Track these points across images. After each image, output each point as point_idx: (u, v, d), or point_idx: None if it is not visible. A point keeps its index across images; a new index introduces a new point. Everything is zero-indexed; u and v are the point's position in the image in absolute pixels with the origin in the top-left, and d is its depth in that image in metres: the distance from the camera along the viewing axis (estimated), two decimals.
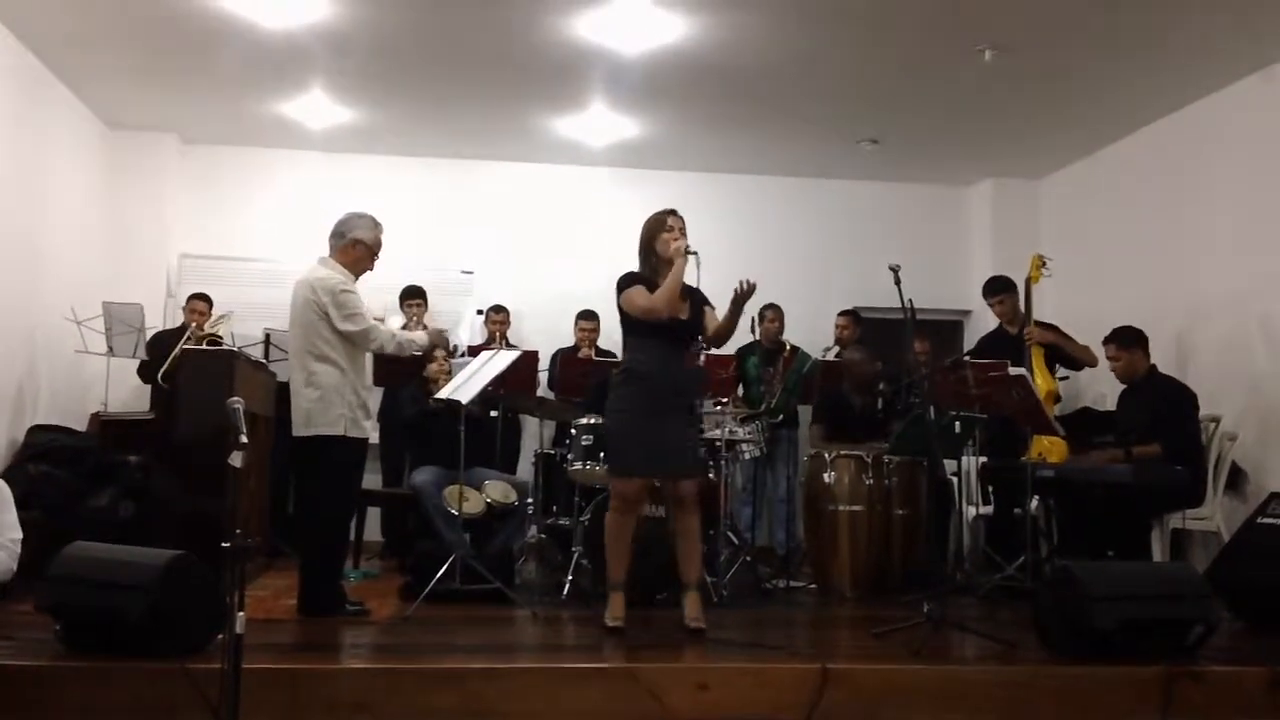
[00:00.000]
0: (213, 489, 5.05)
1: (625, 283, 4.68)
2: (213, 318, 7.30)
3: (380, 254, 5.04)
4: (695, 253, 4.55)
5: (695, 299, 4.74)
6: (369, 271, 5.03)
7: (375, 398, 7.77)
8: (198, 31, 6.26)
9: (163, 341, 7.09)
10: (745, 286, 4.46)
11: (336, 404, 4.72)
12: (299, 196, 8.45)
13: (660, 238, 4.65)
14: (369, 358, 5.09)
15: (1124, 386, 6.15)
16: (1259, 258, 6.46)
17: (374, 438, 7.60)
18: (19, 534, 4.66)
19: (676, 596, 4.69)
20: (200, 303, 7.39)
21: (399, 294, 7.77)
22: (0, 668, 3.63)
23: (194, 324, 7.20)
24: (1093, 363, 6.50)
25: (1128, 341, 6.05)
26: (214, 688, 3.30)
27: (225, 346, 6.84)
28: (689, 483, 4.65)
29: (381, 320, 5.78)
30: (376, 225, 4.99)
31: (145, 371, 7.15)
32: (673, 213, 4.72)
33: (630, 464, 4.64)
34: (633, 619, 4.62)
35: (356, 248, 4.92)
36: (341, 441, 4.74)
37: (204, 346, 6.72)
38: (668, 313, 4.56)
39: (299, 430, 4.78)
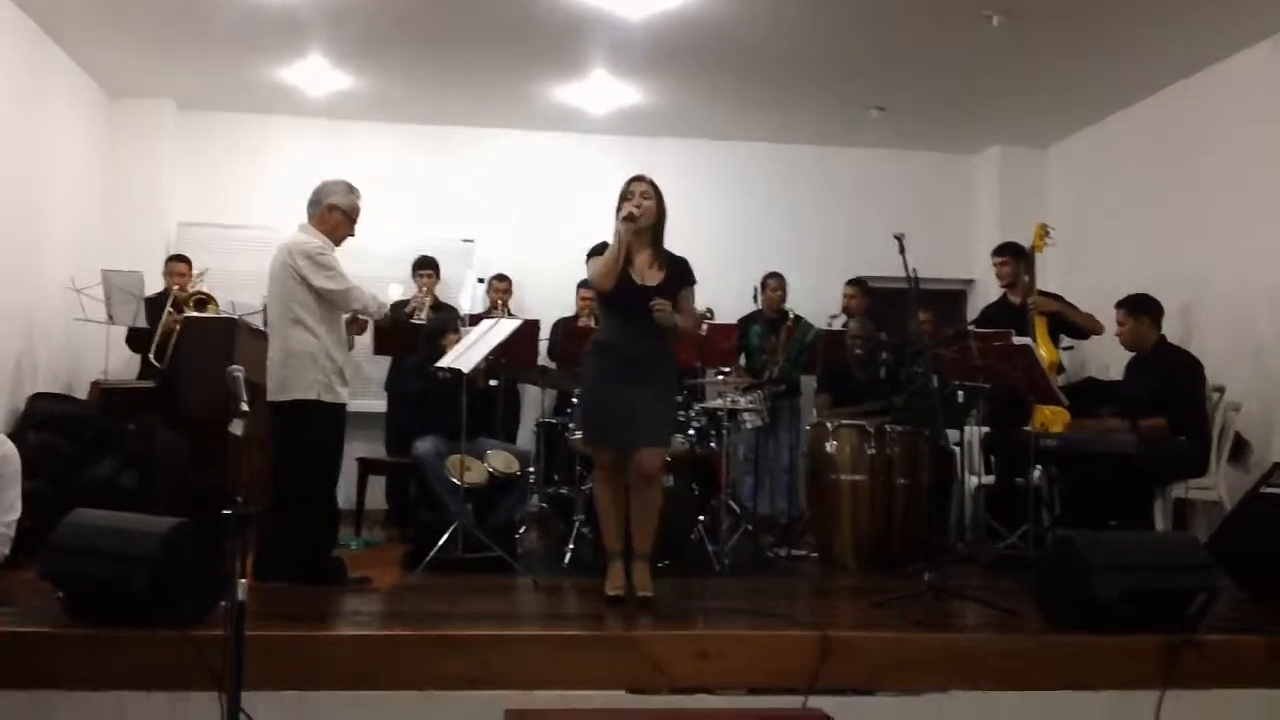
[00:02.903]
0: (214, 457, 5.10)
1: (589, 255, 4.73)
2: (193, 277, 7.25)
3: (358, 219, 5.02)
4: (633, 221, 4.46)
5: (674, 271, 4.61)
6: (350, 237, 5.01)
7: (381, 367, 7.77)
8: None
9: (147, 307, 7.03)
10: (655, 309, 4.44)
11: (310, 369, 4.71)
12: (298, 164, 8.38)
13: (622, 205, 4.58)
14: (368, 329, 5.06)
15: (1131, 356, 6.13)
16: (1267, 228, 6.42)
17: (373, 407, 7.65)
18: (16, 514, 4.59)
19: (681, 565, 4.69)
20: (179, 264, 7.31)
21: (411, 264, 7.75)
22: (2, 635, 3.63)
23: (176, 287, 7.15)
24: (1098, 330, 6.46)
25: (1137, 309, 6.01)
26: (217, 655, 3.31)
27: (214, 305, 6.82)
28: (649, 455, 4.51)
29: None
30: (352, 190, 4.99)
31: (134, 340, 7.11)
32: (637, 179, 4.64)
33: (589, 433, 4.71)
34: (633, 587, 4.62)
35: (333, 214, 4.91)
36: (316, 406, 4.72)
37: (192, 309, 6.69)
38: (600, 285, 4.57)
39: (274, 395, 4.76)
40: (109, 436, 5.97)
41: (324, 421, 4.78)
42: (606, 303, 4.66)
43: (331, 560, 4.87)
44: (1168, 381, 5.78)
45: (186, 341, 5.95)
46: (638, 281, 4.55)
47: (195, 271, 7.31)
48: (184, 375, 5.79)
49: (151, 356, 6.75)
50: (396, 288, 7.34)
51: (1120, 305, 6.07)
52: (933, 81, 7.50)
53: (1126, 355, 6.18)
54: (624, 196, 4.60)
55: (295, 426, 4.73)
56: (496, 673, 3.66)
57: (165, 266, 7.37)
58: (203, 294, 7.02)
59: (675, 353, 4.83)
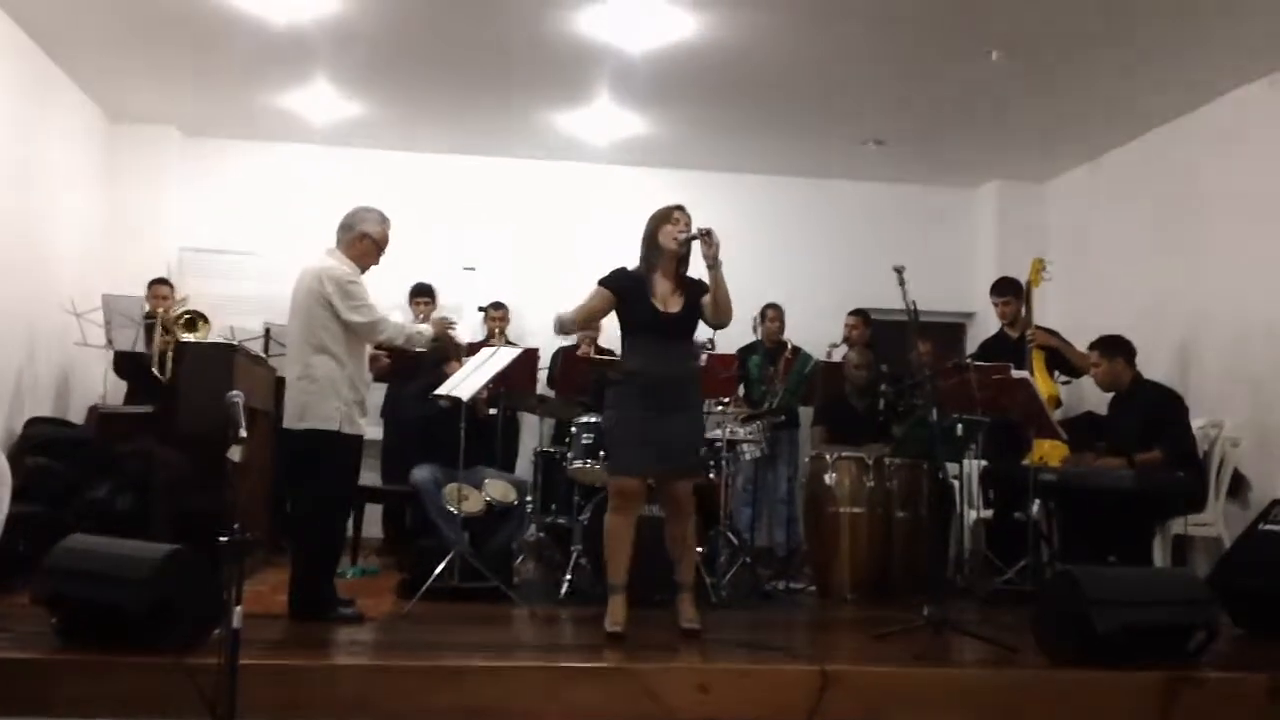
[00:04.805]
0: (212, 483, 5.08)
1: (611, 277, 4.67)
2: (175, 301, 7.23)
3: (386, 249, 5.00)
4: (707, 233, 4.48)
5: (693, 291, 4.63)
6: (375, 266, 5.00)
7: (378, 394, 7.75)
8: (201, 23, 6.24)
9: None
10: (701, 232, 4.48)
11: (332, 398, 4.64)
12: (300, 191, 8.43)
13: (664, 229, 4.60)
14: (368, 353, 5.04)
15: (1113, 395, 6.14)
16: (1263, 264, 6.44)
17: (370, 434, 7.62)
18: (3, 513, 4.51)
19: (673, 597, 4.65)
20: (162, 287, 7.30)
21: (408, 291, 7.74)
22: None
23: (161, 310, 7.13)
24: (1089, 371, 6.48)
25: (1110, 350, 6.01)
26: (211, 683, 3.28)
27: (204, 323, 6.82)
28: (683, 484, 4.56)
29: None
30: (384, 220, 4.95)
31: (121, 366, 7.06)
32: (679, 208, 4.67)
33: (623, 462, 4.55)
34: (632, 619, 4.59)
35: (363, 241, 4.88)
36: (335, 437, 4.64)
37: (181, 328, 6.66)
38: (572, 329, 4.89)
39: (291, 423, 4.67)
40: (106, 461, 5.94)
41: (341, 453, 4.70)
42: (633, 332, 4.63)
43: (326, 594, 4.74)
44: (1153, 418, 5.78)
45: (185, 367, 5.93)
46: (661, 310, 4.56)
47: (178, 296, 7.30)
48: (182, 401, 5.77)
49: (154, 370, 6.69)
50: (397, 315, 7.30)
51: (1094, 346, 6.09)
52: (932, 116, 7.55)
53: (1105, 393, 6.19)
54: (669, 220, 4.62)
55: (311, 456, 4.63)
56: (492, 704, 3.65)
57: (148, 290, 7.32)
58: (191, 312, 6.98)
59: (701, 379, 4.86)
